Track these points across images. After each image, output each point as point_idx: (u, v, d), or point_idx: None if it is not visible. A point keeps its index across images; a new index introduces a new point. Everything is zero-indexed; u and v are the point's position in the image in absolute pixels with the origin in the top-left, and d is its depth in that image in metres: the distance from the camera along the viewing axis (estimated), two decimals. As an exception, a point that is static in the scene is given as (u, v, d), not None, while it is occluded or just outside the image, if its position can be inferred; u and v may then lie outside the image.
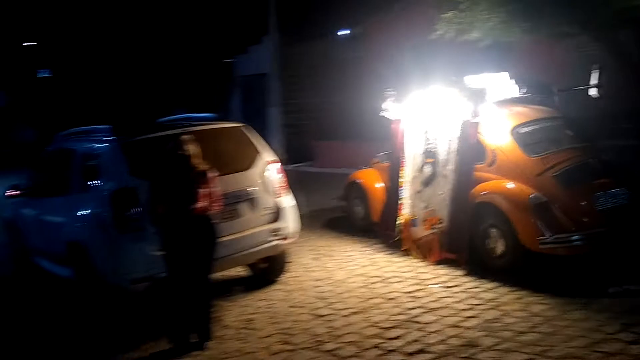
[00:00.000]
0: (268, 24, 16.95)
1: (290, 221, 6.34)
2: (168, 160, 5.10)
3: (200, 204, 4.98)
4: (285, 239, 6.26)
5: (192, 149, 5.09)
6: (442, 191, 6.77)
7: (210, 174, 5.09)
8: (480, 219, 6.36)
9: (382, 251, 7.44)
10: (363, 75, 15.87)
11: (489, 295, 5.65)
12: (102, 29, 29.11)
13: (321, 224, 9.26)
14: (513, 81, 7.29)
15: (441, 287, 6.00)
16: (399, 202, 7.41)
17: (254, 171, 6.15)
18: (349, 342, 4.92)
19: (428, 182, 7.05)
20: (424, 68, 8.88)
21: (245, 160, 6.18)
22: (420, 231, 7.01)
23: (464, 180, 6.56)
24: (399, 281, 6.29)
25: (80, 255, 5.67)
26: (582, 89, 8.66)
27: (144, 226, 5.29)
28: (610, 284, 5.63)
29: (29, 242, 7.40)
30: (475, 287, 5.87)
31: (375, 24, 16.21)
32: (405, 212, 7.31)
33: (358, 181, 8.63)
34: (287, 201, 6.40)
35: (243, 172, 6.06)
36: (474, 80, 6.98)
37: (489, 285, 5.89)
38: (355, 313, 5.51)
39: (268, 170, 6.28)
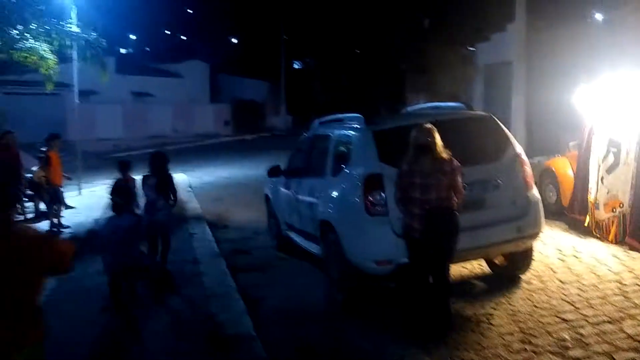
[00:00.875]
0: (514, 10, 16.16)
1: (537, 217, 6.05)
2: (414, 149, 5.23)
3: (443, 194, 5.02)
4: (531, 236, 6.00)
5: (436, 138, 5.13)
6: (625, 178, 7.41)
7: (454, 164, 5.08)
8: None
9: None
10: (618, 64, 14.47)
11: None
12: (345, 24, 30.67)
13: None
14: None
15: None
16: (587, 188, 8.01)
17: (502, 163, 5.98)
18: (599, 352, 4.59)
19: (611, 169, 7.65)
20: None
21: (493, 151, 6.04)
22: (602, 214, 7.66)
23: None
24: (662, 293, 5.64)
25: (330, 234, 6.09)
26: None
27: (389, 211, 5.49)
28: None
29: (284, 217, 8.16)
30: None
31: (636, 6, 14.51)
32: (591, 197, 7.90)
33: (551, 168, 9.58)
34: (534, 196, 6.11)
35: (490, 163, 5.93)
36: None
37: None
38: (607, 322, 5.10)
39: (516, 163, 6.06)
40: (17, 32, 13.60)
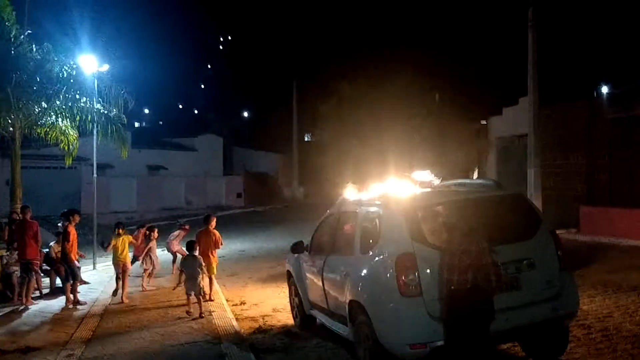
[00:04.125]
0: (527, 84, 16.36)
1: (573, 296, 5.88)
2: (448, 229, 5.21)
3: (476, 275, 4.94)
4: (567, 315, 5.80)
5: (468, 217, 5.10)
6: None
7: (484, 246, 5.00)
8: None
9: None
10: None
11: None
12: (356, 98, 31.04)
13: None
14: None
15: None
16: None
17: (535, 241, 5.84)
18: None
19: None
20: None
21: (525, 229, 5.91)
22: None
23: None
24: None
25: (360, 315, 5.88)
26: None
27: (423, 291, 5.34)
28: None
29: (307, 295, 7.95)
30: None
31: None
32: None
33: None
34: (569, 274, 5.95)
35: (523, 242, 5.78)
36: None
37: None
38: None
39: (549, 241, 5.92)
40: (40, 108, 13.92)
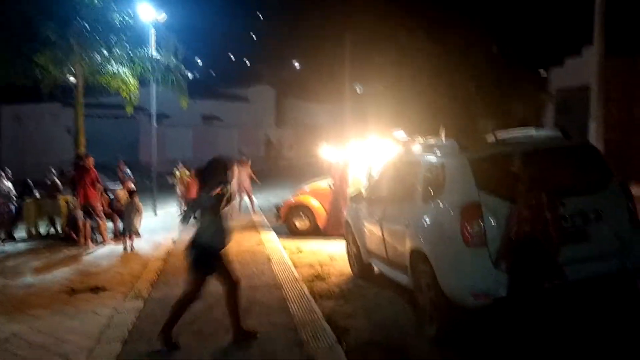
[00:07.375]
0: (591, 33, 15.55)
1: (642, 252, 5.72)
2: (513, 179, 5.11)
3: (534, 229, 4.85)
4: (637, 270, 5.67)
5: (534, 169, 5.00)
6: None
7: (543, 200, 4.89)
8: None
9: None
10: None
11: None
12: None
13: None
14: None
15: None
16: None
17: (605, 194, 5.69)
18: None
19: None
20: None
21: (596, 181, 5.77)
22: None
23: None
24: None
25: (421, 264, 5.91)
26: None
27: (486, 242, 5.29)
28: None
29: (365, 244, 8.02)
30: None
31: None
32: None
33: (301, 203, 12.88)
34: (639, 229, 5.78)
35: (593, 194, 5.65)
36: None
37: None
38: None
39: (620, 194, 5.76)
40: (102, 57, 14.18)
